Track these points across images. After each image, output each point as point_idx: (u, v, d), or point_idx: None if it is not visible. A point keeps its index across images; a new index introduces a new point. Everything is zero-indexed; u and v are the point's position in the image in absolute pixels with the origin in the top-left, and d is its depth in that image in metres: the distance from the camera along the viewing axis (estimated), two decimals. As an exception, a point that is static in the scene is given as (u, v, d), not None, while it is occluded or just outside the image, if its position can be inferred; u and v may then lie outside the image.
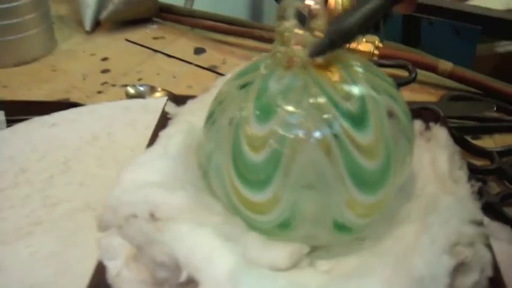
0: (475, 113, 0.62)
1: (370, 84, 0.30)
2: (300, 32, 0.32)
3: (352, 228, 0.30)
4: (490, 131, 0.61)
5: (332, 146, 0.28)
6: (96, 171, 0.48)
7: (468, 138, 0.58)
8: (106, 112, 0.56)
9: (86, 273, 0.38)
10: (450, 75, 0.69)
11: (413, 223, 0.29)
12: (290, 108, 0.29)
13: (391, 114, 0.30)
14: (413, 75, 0.64)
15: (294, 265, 0.28)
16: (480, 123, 0.62)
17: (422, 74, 0.68)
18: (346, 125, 0.28)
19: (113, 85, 0.70)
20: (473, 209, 0.30)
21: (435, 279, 0.26)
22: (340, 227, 0.29)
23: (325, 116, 0.29)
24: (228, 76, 0.38)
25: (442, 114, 0.39)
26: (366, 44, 0.71)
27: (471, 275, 0.27)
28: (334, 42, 0.31)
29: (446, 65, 0.69)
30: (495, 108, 0.62)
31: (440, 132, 0.36)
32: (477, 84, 0.68)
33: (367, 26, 0.33)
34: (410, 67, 0.65)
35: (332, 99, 0.29)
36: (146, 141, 0.51)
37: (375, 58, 0.71)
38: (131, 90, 0.65)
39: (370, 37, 0.73)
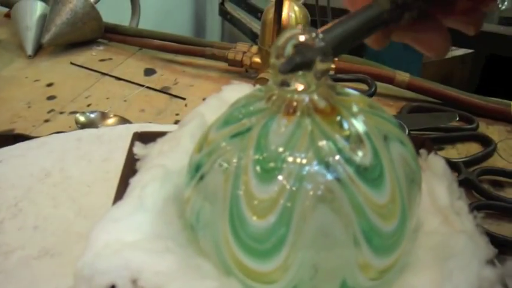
0: (439, 124, 0.61)
1: (380, 131, 0.28)
2: (301, 73, 0.28)
3: None
4: (452, 141, 0.61)
5: (346, 205, 0.25)
6: (50, 212, 0.44)
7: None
8: (57, 145, 0.52)
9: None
10: (408, 86, 0.69)
11: (428, 269, 0.27)
12: (298, 160, 0.26)
13: (403, 164, 0.28)
14: (373, 89, 0.64)
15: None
16: (442, 134, 0.61)
17: (379, 86, 0.68)
18: (360, 181, 0.26)
19: (61, 112, 0.66)
20: (485, 246, 0.28)
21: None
22: None
23: (336, 170, 0.26)
24: (201, 116, 0.35)
25: (427, 140, 0.37)
26: (321, 59, 0.70)
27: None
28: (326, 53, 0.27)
29: (403, 76, 0.69)
30: (457, 118, 0.62)
31: (436, 162, 0.35)
32: (435, 94, 0.68)
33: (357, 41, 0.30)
34: (369, 81, 0.64)
35: (342, 151, 0.26)
36: (104, 175, 0.48)
37: (332, 72, 0.70)
38: (81, 118, 0.62)
39: (325, 51, 0.71)
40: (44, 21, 0.81)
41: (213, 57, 0.77)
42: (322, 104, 0.28)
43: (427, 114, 0.64)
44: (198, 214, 0.27)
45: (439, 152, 0.58)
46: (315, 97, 0.28)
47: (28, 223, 0.43)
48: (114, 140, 0.52)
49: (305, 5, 0.70)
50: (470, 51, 1.28)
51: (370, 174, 0.26)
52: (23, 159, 0.50)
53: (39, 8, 0.82)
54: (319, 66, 0.27)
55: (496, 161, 0.58)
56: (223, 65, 0.77)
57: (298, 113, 0.27)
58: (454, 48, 1.23)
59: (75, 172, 0.49)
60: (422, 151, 0.36)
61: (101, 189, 0.46)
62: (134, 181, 0.32)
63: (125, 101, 0.69)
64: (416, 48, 0.33)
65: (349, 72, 0.69)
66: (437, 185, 0.32)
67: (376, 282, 0.27)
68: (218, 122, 0.29)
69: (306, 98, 0.28)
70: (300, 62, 0.27)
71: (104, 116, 0.63)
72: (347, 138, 0.27)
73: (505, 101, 0.68)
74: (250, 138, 0.27)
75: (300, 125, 0.27)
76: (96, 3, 0.83)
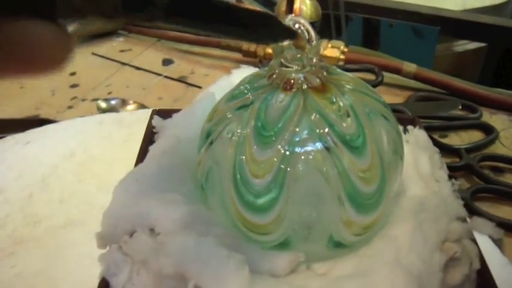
0: (442, 112, 0.64)
1: (365, 106, 0.31)
2: (298, 54, 0.32)
3: (347, 246, 0.31)
4: (456, 129, 0.63)
5: (332, 169, 0.28)
6: (75, 187, 0.48)
7: (436, 136, 0.60)
8: (80, 127, 0.56)
9: (73, 290, 0.38)
10: (415, 77, 0.71)
11: (404, 223, 0.30)
12: (291, 128, 0.29)
13: (386, 136, 0.31)
14: (380, 78, 0.66)
15: (292, 271, 0.29)
16: (446, 122, 0.64)
17: (387, 77, 0.70)
18: (345, 149, 0.29)
19: (83, 100, 0.70)
20: (458, 206, 0.32)
21: (431, 275, 0.28)
22: (336, 244, 0.30)
23: (325, 139, 0.29)
24: (212, 95, 0.38)
25: (416, 118, 0.40)
26: (331, 50, 0.73)
27: (461, 269, 0.29)
28: None
29: (410, 66, 0.71)
30: (460, 107, 0.64)
31: (420, 135, 0.38)
32: (441, 84, 0.70)
33: None
34: (376, 70, 0.67)
35: (330, 122, 0.29)
36: (124, 155, 0.51)
37: (341, 63, 0.73)
38: (103, 104, 0.65)
39: (335, 42, 0.74)
40: (67, 14, 0.84)
41: (227, 48, 0.80)
42: (315, 82, 0.31)
43: (431, 103, 0.66)
44: (207, 175, 0.31)
45: (442, 139, 0.60)
46: (309, 76, 0.31)
47: (54, 196, 0.47)
48: (133, 123, 0.56)
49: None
50: (483, 45, 1.28)
51: (353, 143, 0.29)
52: (50, 140, 0.54)
53: (62, 1, 0.86)
54: (310, 49, 0.31)
55: (497, 149, 0.60)
56: (237, 55, 0.80)
57: (294, 89, 0.31)
58: (466, 41, 1.24)
59: (98, 152, 0.52)
60: (410, 127, 0.39)
61: (122, 167, 0.48)
62: (153, 148, 0.36)
63: (144, 89, 0.73)
64: None
65: (358, 63, 0.71)
66: (420, 156, 0.35)
67: (360, 238, 0.31)
68: (227, 96, 0.33)
69: (301, 76, 0.31)
70: None
71: (124, 102, 0.66)
72: (335, 111, 0.30)
73: (508, 91, 0.69)
74: (252, 110, 0.30)
75: (295, 99, 0.30)
76: (116, -5, 0.86)
